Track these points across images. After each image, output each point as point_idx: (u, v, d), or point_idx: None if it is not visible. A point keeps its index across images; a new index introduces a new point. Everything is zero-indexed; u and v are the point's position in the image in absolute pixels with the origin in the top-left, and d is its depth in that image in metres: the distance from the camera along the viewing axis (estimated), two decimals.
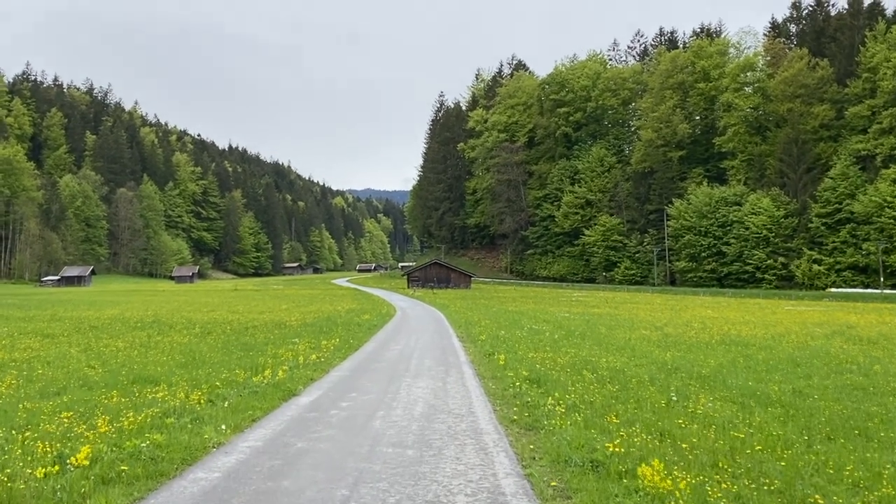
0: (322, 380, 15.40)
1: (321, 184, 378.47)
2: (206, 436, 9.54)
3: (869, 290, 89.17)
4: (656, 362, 18.84)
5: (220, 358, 19.05)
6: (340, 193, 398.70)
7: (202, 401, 11.88)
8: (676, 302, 67.04)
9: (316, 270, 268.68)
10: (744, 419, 11.12)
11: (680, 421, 10.60)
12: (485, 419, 10.95)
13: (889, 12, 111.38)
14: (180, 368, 16.70)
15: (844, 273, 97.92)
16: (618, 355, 20.47)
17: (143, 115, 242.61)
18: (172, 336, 26.55)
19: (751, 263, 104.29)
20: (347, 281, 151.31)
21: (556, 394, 12.54)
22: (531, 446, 9.36)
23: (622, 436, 9.35)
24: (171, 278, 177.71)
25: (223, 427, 10.06)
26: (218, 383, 13.91)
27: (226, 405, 11.68)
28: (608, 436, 9.43)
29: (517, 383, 13.75)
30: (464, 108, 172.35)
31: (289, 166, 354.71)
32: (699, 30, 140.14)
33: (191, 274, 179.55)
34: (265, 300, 66.10)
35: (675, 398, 12.83)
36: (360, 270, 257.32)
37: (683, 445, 8.97)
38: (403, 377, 15.68)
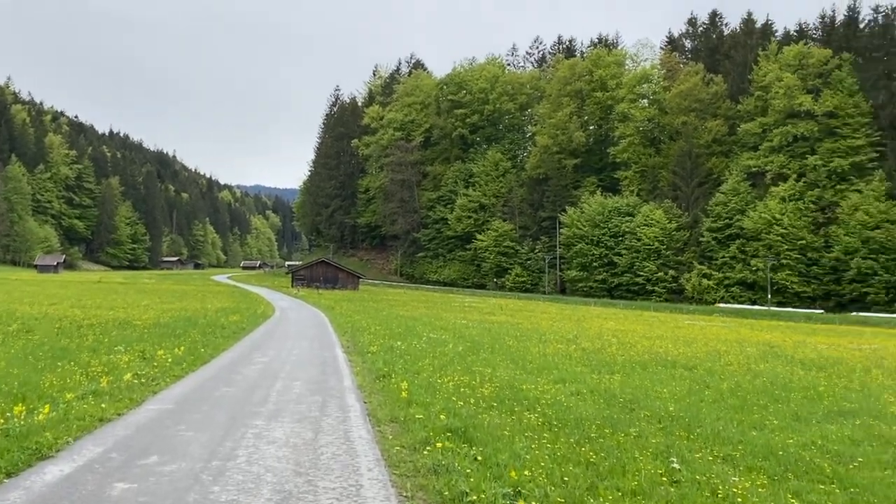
0: (121, 420, 9.84)
1: (208, 176, 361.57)
2: None
3: (756, 307, 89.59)
4: (599, 391, 14.55)
5: (3, 370, 13.37)
6: (228, 187, 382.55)
7: None
8: (572, 311, 64.29)
9: (197, 266, 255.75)
10: None
11: None
12: None
13: (780, 33, 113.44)
14: None
15: (733, 288, 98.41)
16: (546, 378, 16.10)
17: (16, 91, 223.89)
18: None
19: (641, 275, 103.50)
20: (228, 278, 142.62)
21: (500, 459, 7.88)
22: None
23: None
24: (34, 267, 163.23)
25: None
26: None
27: None
28: None
29: (434, 437, 8.83)
30: (360, 103, 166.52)
31: (174, 156, 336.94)
32: (597, 40, 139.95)
33: (55, 263, 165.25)
34: (127, 295, 58.75)
35: (677, 466, 8.39)
36: (244, 268, 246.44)
37: None
38: (255, 417, 10.27)
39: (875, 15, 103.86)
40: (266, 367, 16.09)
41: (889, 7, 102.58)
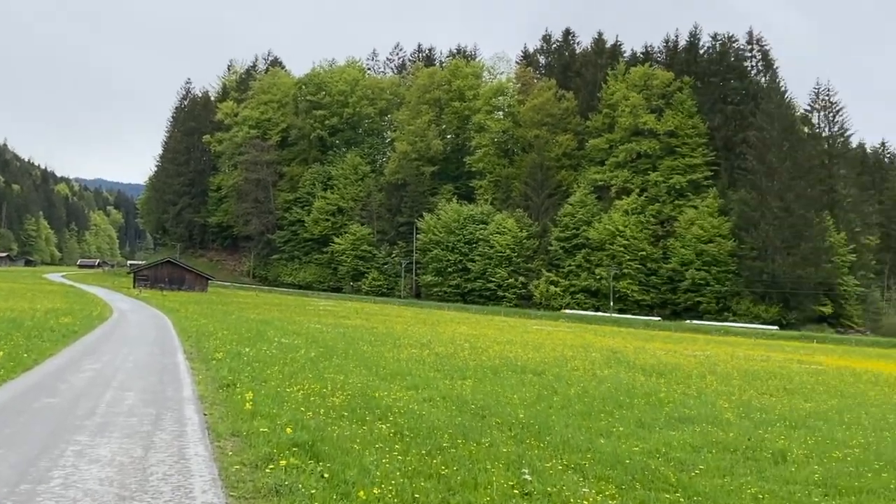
0: None
1: (43, 167, 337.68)
2: None
3: (599, 313, 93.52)
4: (451, 397, 14.43)
5: None
6: (66, 180, 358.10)
7: None
8: (427, 315, 64.62)
9: (28, 263, 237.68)
10: None
11: None
12: None
13: (628, 54, 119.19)
14: None
15: (578, 295, 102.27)
16: (399, 385, 15.83)
17: None
18: None
19: (493, 281, 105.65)
20: (63, 276, 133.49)
21: (349, 476, 7.46)
22: None
23: None
24: None
25: None
26: None
27: None
28: None
29: (278, 453, 8.25)
30: (213, 98, 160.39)
31: (5, 144, 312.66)
32: (456, 50, 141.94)
33: None
34: None
35: (528, 477, 8.29)
36: (81, 266, 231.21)
37: None
38: (78, 432, 9.10)
39: (713, 42, 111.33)
40: (97, 375, 14.84)
41: (726, 35, 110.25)
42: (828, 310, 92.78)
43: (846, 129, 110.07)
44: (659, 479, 8.99)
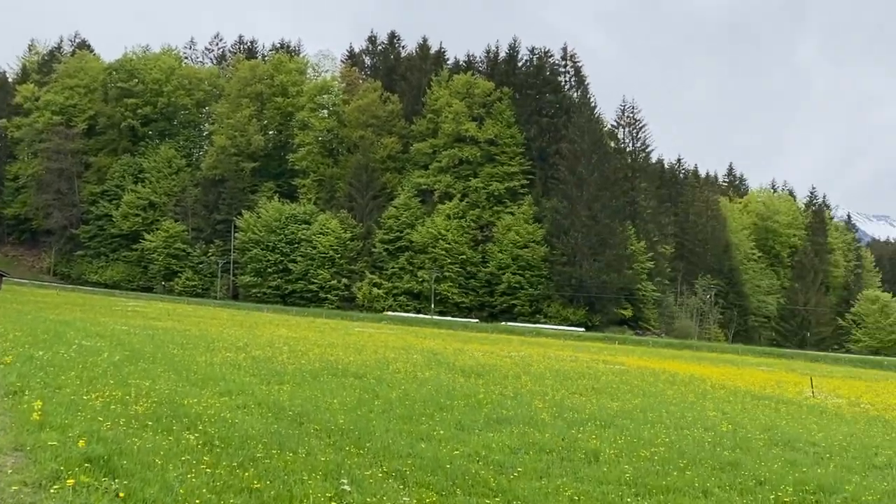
0: None
1: None
2: None
3: (421, 315, 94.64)
4: (267, 404, 13.81)
5: None
6: None
7: None
8: (244, 318, 62.44)
9: None
10: None
11: None
12: None
13: (451, 62, 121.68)
14: None
15: (400, 297, 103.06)
16: (211, 391, 14.97)
17: None
18: None
19: (315, 283, 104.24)
20: None
21: (149, 494, 6.79)
22: None
23: None
24: None
25: None
26: None
27: None
28: None
29: (68, 469, 7.30)
30: (11, 79, 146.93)
31: None
32: (279, 45, 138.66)
33: None
34: None
35: (347, 487, 7.96)
36: None
37: None
38: None
39: (531, 56, 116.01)
40: None
41: (542, 50, 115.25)
42: (628, 313, 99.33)
43: (648, 145, 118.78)
44: (479, 484, 8.97)
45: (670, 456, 11.26)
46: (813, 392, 26.85)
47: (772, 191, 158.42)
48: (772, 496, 9.21)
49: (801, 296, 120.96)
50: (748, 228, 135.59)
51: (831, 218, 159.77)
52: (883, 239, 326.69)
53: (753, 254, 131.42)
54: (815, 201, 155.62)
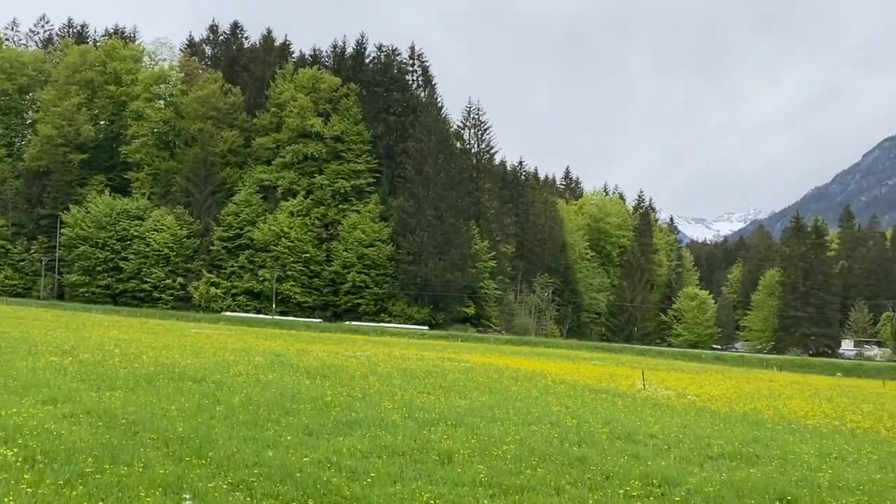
0: None
1: None
2: None
3: (261, 316, 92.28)
4: (97, 412, 12.77)
5: None
6: None
7: None
8: (71, 319, 58.37)
9: None
10: None
11: None
12: None
13: (297, 55, 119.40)
14: None
15: (240, 297, 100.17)
16: (34, 399, 13.69)
17: None
18: None
19: (149, 282, 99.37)
20: None
21: None
22: None
23: None
24: None
25: None
26: None
27: None
28: None
29: None
30: None
31: None
32: (113, 30, 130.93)
33: None
34: None
35: (189, 502, 7.40)
36: None
37: None
38: None
39: (379, 53, 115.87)
40: None
41: (390, 48, 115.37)
42: (471, 311, 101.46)
43: (492, 147, 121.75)
44: (332, 492, 8.61)
45: (521, 453, 11.36)
46: (644, 385, 28.30)
47: (604, 194, 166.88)
48: (620, 491, 9.47)
49: (629, 293, 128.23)
50: (582, 229, 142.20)
51: (656, 220, 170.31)
52: (700, 240, 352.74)
53: (587, 253, 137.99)
54: (642, 204, 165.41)
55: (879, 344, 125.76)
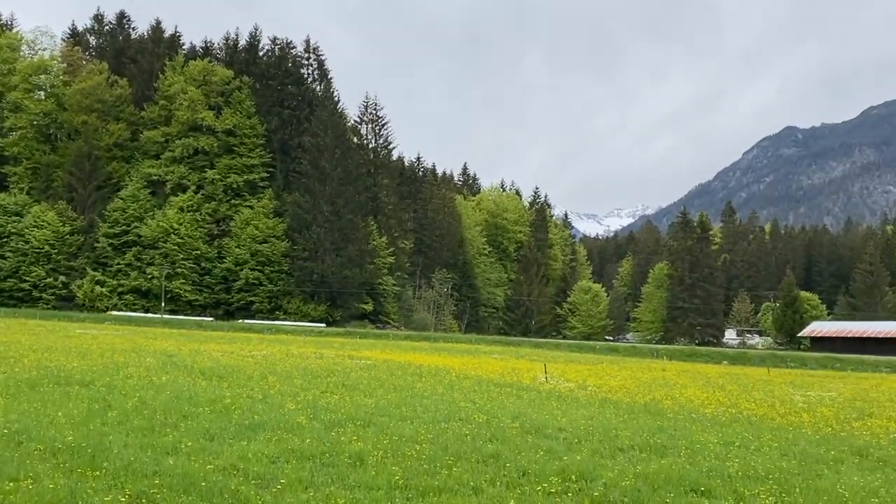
0: None
1: None
2: None
3: (150, 315, 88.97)
4: None
5: None
6: None
7: None
8: None
9: None
10: None
11: None
12: None
13: (187, 47, 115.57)
14: None
15: (127, 296, 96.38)
16: None
17: None
18: None
19: (28, 280, 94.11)
20: None
21: None
22: None
23: None
24: None
25: None
26: None
27: None
28: None
29: None
30: None
31: None
32: None
33: None
34: None
35: None
36: None
37: None
38: None
39: (273, 46, 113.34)
40: None
41: (285, 41, 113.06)
42: (369, 307, 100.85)
43: (390, 142, 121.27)
44: (241, 501, 8.08)
45: (435, 453, 11.09)
46: (547, 378, 28.63)
47: (501, 190, 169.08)
48: (538, 488, 9.32)
49: (526, 287, 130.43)
50: (480, 225, 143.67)
51: (551, 216, 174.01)
52: (592, 235, 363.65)
53: (485, 249, 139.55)
54: (538, 200, 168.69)
55: (760, 333, 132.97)
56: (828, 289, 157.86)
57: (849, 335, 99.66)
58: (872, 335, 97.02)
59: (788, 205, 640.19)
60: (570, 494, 9.14)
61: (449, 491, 9.02)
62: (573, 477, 9.90)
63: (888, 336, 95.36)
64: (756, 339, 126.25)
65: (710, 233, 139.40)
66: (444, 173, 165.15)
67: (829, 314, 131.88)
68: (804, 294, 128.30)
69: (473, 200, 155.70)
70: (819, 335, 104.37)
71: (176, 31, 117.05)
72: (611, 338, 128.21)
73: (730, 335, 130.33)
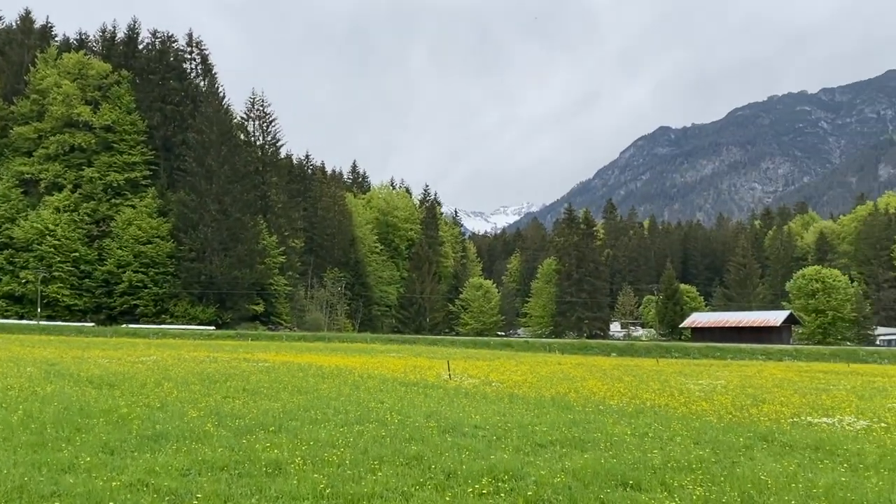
0: None
1: None
2: None
3: (24, 321, 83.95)
4: None
5: None
6: None
7: None
8: None
9: None
10: None
11: None
12: None
13: (60, 39, 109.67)
14: None
15: None
16: None
17: None
18: None
19: None
20: None
21: None
22: None
23: None
24: None
25: None
26: None
27: None
28: None
29: None
30: None
31: None
32: None
33: None
34: None
35: None
36: None
37: None
38: None
39: (153, 39, 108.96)
40: None
41: (166, 34, 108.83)
42: (260, 308, 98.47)
43: (278, 140, 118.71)
44: None
45: (356, 457, 10.64)
46: (450, 375, 28.52)
47: (391, 188, 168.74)
48: (469, 490, 9.02)
49: (418, 285, 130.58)
50: (371, 223, 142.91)
51: (441, 214, 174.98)
52: (480, 233, 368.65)
53: (376, 247, 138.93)
54: (428, 198, 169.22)
55: (643, 325, 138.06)
56: (703, 281, 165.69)
57: (726, 325, 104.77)
58: (748, 324, 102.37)
59: (664, 201, 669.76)
60: (502, 495, 8.92)
61: (378, 497, 8.61)
62: (503, 476, 9.67)
63: (762, 325, 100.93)
64: (640, 332, 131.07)
65: (595, 229, 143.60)
66: (334, 171, 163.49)
67: (706, 305, 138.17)
68: (683, 286, 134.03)
69: (364, 198, 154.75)
70: (699, 326, 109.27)
71: (48, 22, 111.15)
72: (503, 333, 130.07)
73: (614, 328, 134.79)
